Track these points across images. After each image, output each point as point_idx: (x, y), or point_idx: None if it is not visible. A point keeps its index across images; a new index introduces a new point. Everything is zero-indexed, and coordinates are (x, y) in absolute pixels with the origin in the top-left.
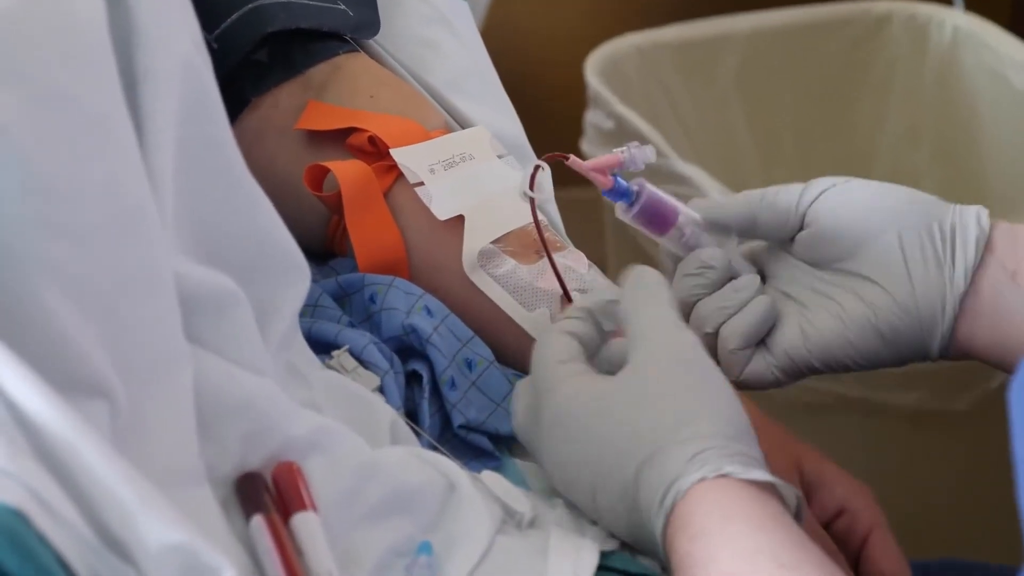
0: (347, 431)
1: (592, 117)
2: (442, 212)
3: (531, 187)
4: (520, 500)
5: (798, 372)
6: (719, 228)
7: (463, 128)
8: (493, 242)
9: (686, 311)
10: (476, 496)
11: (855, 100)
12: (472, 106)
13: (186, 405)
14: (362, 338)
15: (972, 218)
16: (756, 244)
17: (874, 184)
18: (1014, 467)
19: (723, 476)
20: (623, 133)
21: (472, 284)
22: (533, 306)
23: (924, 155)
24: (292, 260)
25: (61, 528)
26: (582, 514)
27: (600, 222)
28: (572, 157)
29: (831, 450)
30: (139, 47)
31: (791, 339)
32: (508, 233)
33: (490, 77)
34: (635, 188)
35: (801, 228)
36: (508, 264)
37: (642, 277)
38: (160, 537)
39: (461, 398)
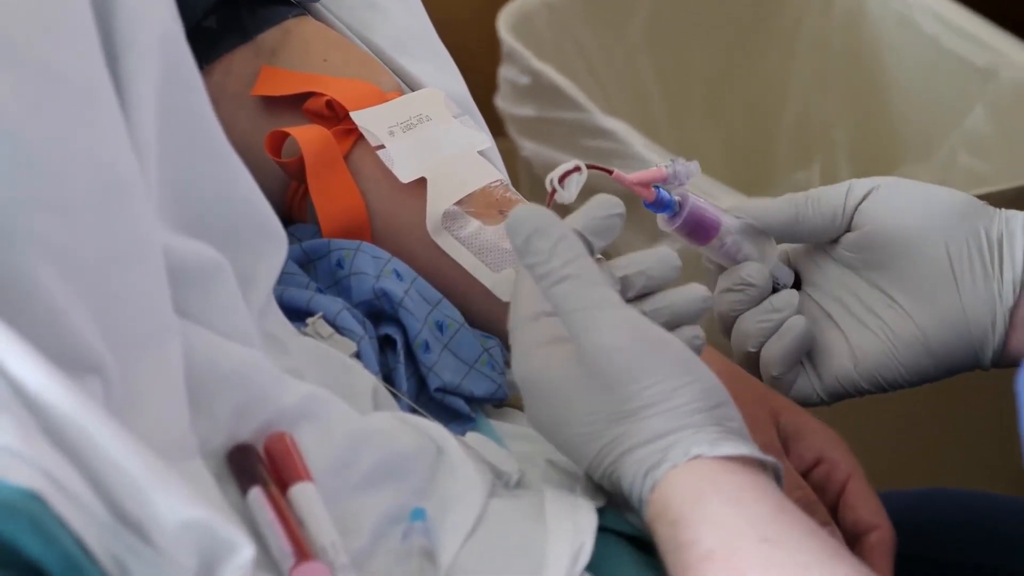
0: (335, 399)
1: (506, 73)
2: (404, 175)
3: (560, 182)
4: (507, 460)
5: (845, 394)
6: (760, 233)
7: (412, 90)
8: (456, 203)
9: (727, 324)
10: (466, 459)
11: (763, 49)
12: (419, 67)
13: (176, 378)
14: (335, 304)
15: (1019, 226)
16: (794, 247)
17: (920, 187)
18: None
19: (695, 458)
20: (539, 88)
21: (437, 246)
22: (499, 267)
23: (833, 102)
24: (270, 228)
25: (77, 509)
26: (566, 470)
27: (514, 172)
28: (616, 171)
29: None
30: (119, 18)
31: (840, 365)
32: (471, 194)
33: (433, 38)
34: (678, 199)
35: (848, 230)
36: (473, 225)
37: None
38: (176, 514)
39: (436, 361)
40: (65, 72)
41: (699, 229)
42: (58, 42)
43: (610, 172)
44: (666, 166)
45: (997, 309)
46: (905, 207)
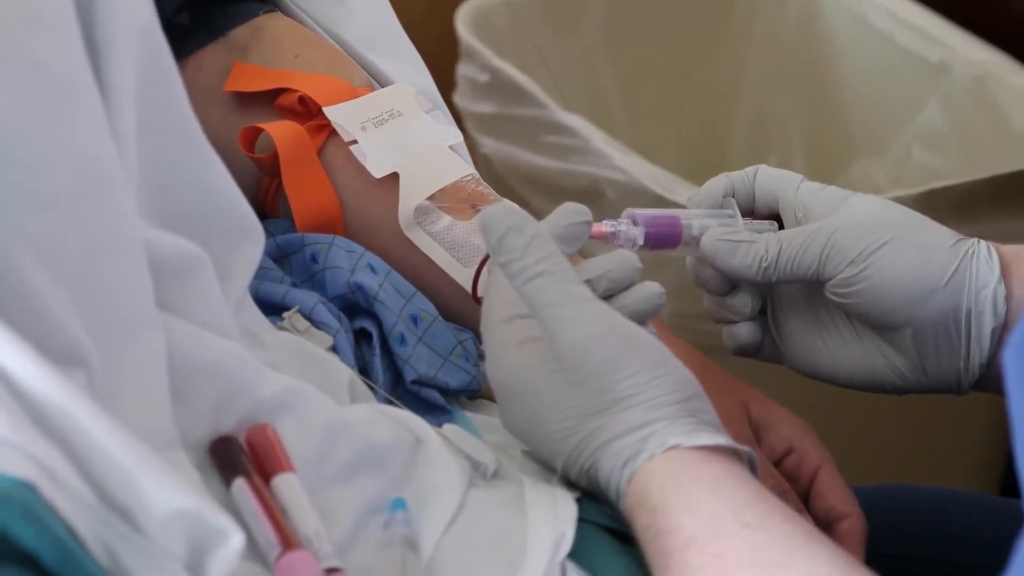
0: (314, 390)
1: (464, 71)
2: (377, 170)
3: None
4: (483, 451)
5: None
6: (723, 211)
7: (382, 86)
8: (428, 198)
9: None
10: (444, 449)
11: (719, 46)
12: (389, 63)
13: (159, 371)
14: (310, 298)
15: (988, 303)
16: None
17: (905, 254)
18: (1011, 427)
19: (671, 448)
20: (498, 86)
21: (409, 241)
22: (470, 262)
23: (788, 98)
24: (247, 222)
25: (68, 498)
26: (541, 461)
27: (474, 162)
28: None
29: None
30: (99, 12)
31: (796, 356)
32: (443, 189)
33: (400, 34)
34: (631, 242)
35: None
36: (444, 220)
37: (519, 239)
38: (166, 502)
39: (411, 353)
40: (49, 66)
41: (664, 242)
42: (41, 36)
43: None
44: (609, 225)
45: (963, 379)
46: (890, 278)
